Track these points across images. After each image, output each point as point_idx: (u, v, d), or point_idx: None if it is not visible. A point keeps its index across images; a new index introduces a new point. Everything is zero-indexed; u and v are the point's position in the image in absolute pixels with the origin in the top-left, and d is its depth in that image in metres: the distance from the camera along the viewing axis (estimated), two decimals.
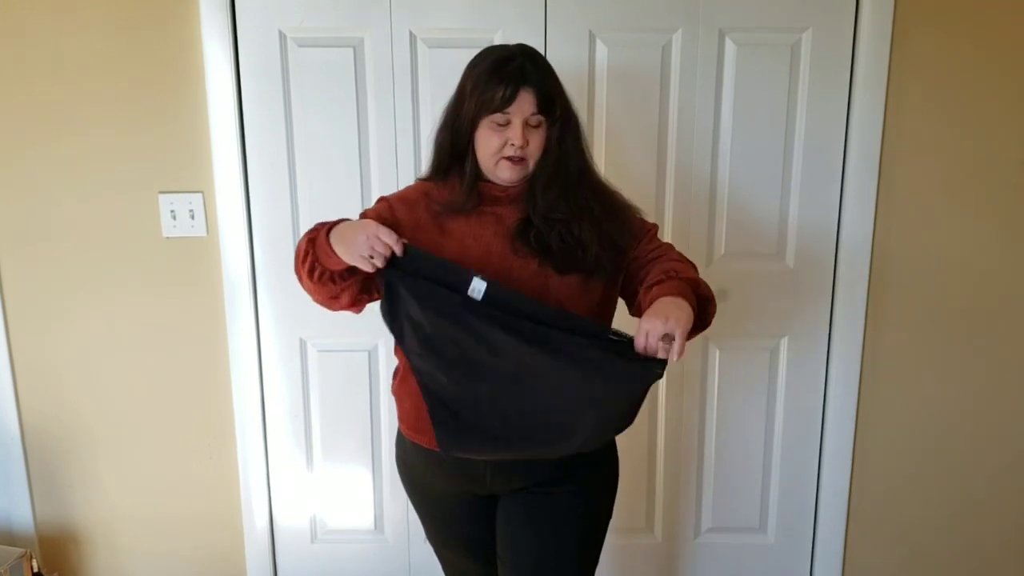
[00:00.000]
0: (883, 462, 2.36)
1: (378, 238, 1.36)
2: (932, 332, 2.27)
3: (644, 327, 1.31)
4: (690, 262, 1.52)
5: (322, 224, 1.48)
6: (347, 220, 1.46)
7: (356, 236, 1.38)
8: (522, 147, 1.45)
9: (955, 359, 2.29)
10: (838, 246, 2.22)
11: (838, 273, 2.23)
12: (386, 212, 1.54)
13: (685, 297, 1.36)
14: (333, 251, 1.40)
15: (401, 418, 1.64)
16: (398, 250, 1.38)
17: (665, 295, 1.36)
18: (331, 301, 1.52)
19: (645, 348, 1.32)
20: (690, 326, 1.33)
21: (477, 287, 1.38)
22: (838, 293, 2.24)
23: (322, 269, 1.45)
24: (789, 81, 2.12)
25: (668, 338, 1.30)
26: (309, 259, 1.45)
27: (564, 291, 1.48)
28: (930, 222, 2.20)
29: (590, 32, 2.09)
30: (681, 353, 1.30)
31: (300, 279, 1.51)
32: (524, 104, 1.44)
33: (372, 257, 1.37)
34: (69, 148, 2.13)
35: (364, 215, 1.55)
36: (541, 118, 1.46)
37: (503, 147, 1.46)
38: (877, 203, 2.17)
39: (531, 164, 1.49)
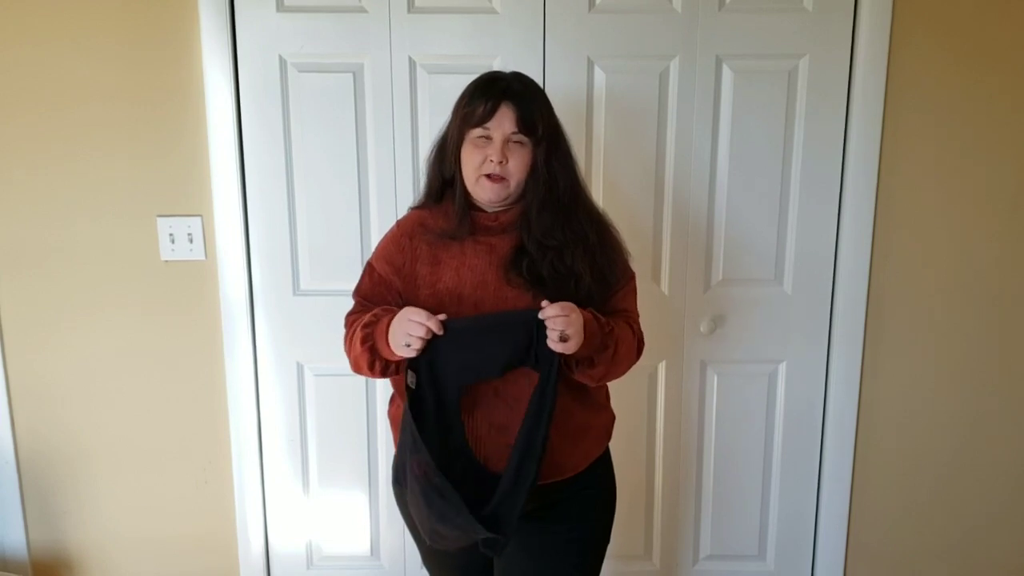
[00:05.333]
0: (883, 488, 2.35)
1: (412, 323, 1.39)
2: (931, 357, 2.26)
3: (557, 314, 1.37)
4: (639, 339, 1.58)
5: (357, 317, 1.54)
6: (394, 313, 1.46)
7: (396, 329, 1.41)
8: (500, 163, 1.45)
9: (955, 384, 2.28)
10: (836, 271, 2.22)
11: (836, 298, 2.23)
12: (395, 255, 1.56)
13: (593, 334, 1.42)
14: (389, 346, 1.44)
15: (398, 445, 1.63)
16: (435, 328, 1.39)
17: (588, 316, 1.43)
18: (373, 374, 1.55)
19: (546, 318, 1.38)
20: (579, 338, 1.39)
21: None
22: (836, 318, 2.24)
23: (384, 363, 1.50)
24: (786, 107, 2.13)
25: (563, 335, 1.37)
26: (367, 354, 1.48)
27: None
28: (928, 246, 2.20)
29: (588, 58, 2.10)
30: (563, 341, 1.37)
31: (353, 362, 1.56)
32: (504, 120, 1.45)
33: (409, 345, 1.40)
34: (68, 171, 2.13)
35: (370, 265, 1.59)
36: (524, 138, 1.47)
37: (483, 163, 1.47)
38: (875, 228, 2.17)
39: (512, 184, 1.49)
